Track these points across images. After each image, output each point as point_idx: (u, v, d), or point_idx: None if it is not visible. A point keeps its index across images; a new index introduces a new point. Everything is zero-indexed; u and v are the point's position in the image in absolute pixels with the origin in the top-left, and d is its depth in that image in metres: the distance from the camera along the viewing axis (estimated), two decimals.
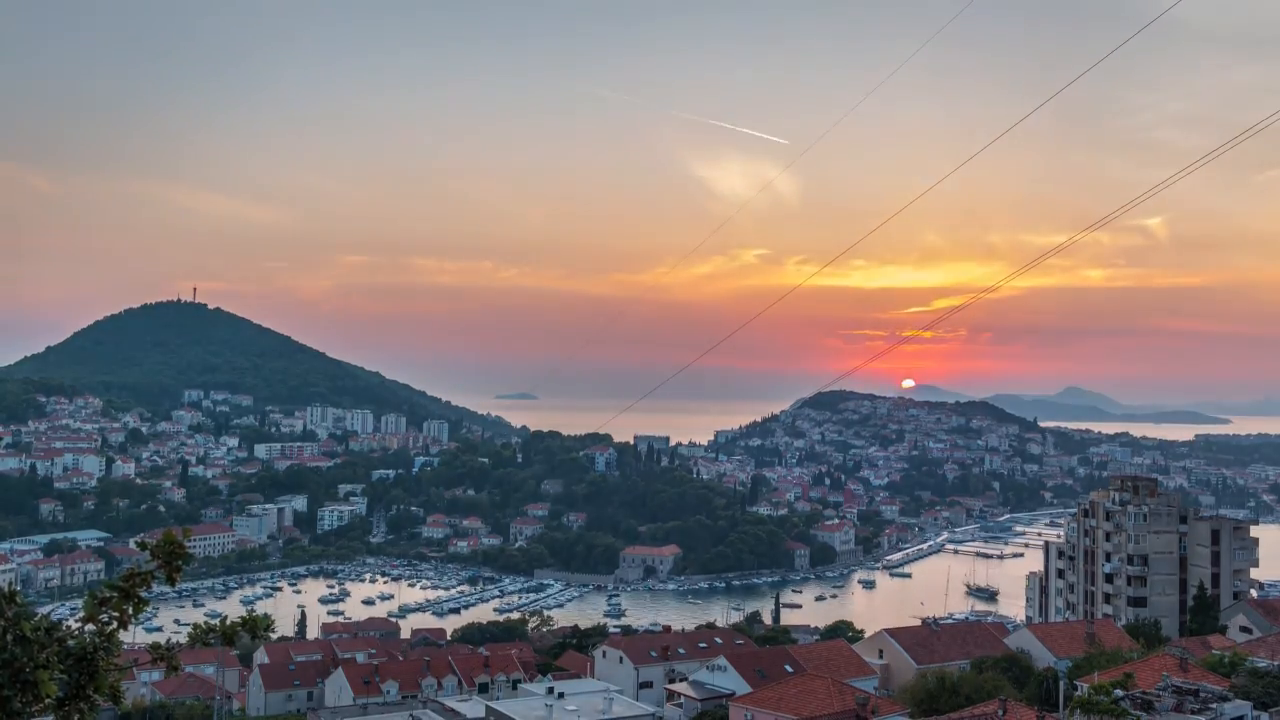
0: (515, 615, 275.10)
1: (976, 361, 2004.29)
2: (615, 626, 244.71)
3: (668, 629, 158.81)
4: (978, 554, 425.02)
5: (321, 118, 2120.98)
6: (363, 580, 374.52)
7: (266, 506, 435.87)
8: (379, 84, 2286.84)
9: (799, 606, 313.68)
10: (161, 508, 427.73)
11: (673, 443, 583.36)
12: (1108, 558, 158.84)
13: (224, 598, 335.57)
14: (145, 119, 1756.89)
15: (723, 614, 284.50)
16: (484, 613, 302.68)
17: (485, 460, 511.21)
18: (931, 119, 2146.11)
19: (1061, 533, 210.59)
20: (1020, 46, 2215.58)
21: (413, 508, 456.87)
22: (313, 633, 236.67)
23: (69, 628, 8.88)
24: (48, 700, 8.49)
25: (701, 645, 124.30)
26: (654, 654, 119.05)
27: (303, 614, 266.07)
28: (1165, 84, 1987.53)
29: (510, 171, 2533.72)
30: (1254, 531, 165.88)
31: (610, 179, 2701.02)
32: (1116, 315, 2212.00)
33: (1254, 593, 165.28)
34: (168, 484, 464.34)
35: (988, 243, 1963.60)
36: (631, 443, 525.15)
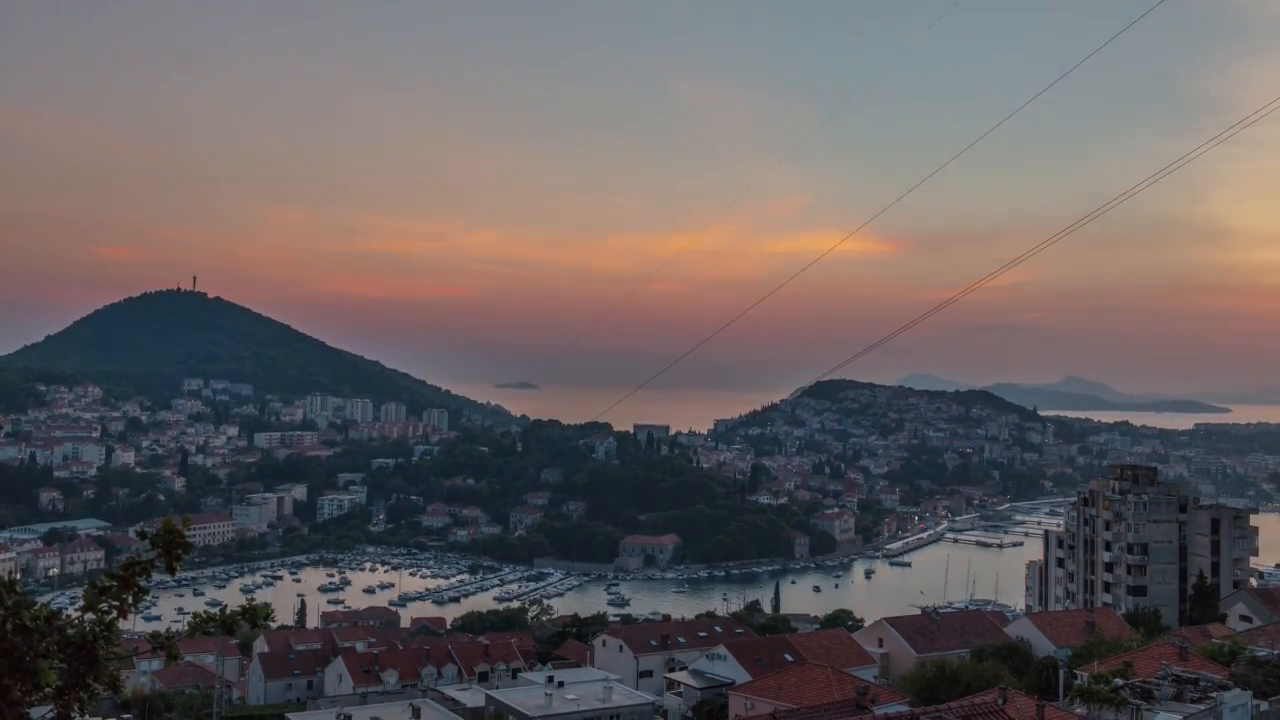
0: (515, 604, 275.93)
1: (977, 350, 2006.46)
2: (615, 616, 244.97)
3: (667, 618, 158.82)
4: (978, 543, 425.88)
5: (208, 34, 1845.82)
6: (363, 569, 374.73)
7: (266, 495, 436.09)
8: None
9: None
10: (161, 497, 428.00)
11: (672, 431, 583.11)
12: (1107, 546, 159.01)
13: (224, 587, 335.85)
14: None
15: (722, 602, 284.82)
16: (484, 602, 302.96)
17: (485, 449, 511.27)
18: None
19: (1061, 522, 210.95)
20: None
21: (413, 497, 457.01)
22: (313, 622, 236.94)
23: (69, 617, 8.86)
24: (47, 689, 8.46)
25: (701, 634, 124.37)
26: (654, 643, 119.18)
27: (302, 603, 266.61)
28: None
29: (469, 107, 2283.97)
30: (1253, 520, 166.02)
31: (609, 122, 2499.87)
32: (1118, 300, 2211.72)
33: (1254, 581, 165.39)
34: (168, 473, 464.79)
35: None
36: (631, 431, 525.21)
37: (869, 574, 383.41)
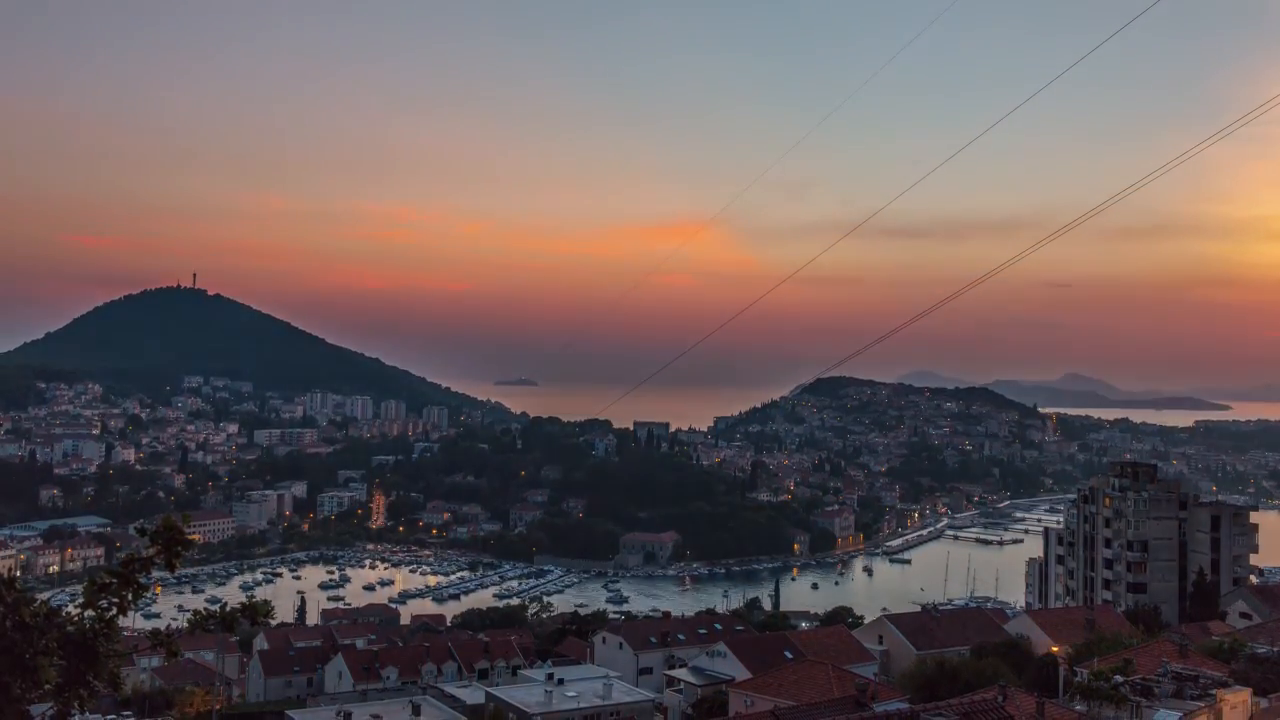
0: (515, 601, 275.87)
1: (977, 347, 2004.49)
2: (615, 613, 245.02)
3: (667, 615, 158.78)
4: (978, 540, 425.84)
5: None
6: (362, 566, 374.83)
7: (266, 492, 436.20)
8: None
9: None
10: (161, 494, 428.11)
11: (672, 429, 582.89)
12: (1107, 544, 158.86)
13: (224, 584, 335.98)
14: None
15: (722, 599, 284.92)
16: (484, 599, 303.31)
17: (485, 446, 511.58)
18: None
19: (1061, 519, 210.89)
20: None
21: (413, 494, 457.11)
22: (313, 619, 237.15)
23: (68, 614, 8.85)
24: (47, 686, 8.46)
25: (701, 631, 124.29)
26: (653, 640, 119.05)
27: (302, 600, 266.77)
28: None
29: (469, 97, 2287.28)
30: (1254, 517, 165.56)
31: (611, 113, 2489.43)
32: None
33: (1254, 579, 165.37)
34: (168, 470, 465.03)
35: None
36: (631, 429, 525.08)
37: (869, 571, 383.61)
